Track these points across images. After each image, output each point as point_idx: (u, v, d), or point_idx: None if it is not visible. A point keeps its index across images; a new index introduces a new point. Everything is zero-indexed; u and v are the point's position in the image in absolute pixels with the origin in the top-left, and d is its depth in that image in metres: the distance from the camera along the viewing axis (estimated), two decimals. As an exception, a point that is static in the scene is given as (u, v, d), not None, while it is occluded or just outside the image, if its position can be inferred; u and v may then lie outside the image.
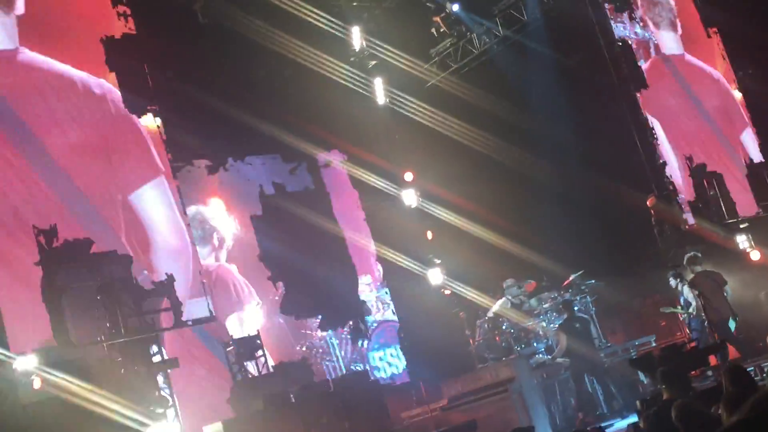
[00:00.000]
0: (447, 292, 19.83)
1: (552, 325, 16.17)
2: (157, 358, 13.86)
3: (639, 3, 21.83)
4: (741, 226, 19.97)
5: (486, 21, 20.67)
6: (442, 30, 20.71)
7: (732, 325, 14.85)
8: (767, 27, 20.65)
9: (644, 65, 21.04)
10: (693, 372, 12.95)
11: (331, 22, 19.32)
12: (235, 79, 18.13)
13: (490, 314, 16.79)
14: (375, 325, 19.78)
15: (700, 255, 15.24)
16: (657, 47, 21.90)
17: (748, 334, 16.76)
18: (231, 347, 16.03)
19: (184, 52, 17.28)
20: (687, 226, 18.90)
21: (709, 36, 23.23)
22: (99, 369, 12.72)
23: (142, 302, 14.17)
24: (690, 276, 15.15)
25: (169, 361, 14.11)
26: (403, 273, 20.10)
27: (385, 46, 20.07)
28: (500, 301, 16.96)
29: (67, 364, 12.24)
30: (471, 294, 18.42)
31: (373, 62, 20.64)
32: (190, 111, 17.10)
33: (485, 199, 19.63)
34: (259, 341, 16.65)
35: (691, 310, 15.28)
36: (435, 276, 19.90)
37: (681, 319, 16.07)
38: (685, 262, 15.35)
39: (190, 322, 15.93)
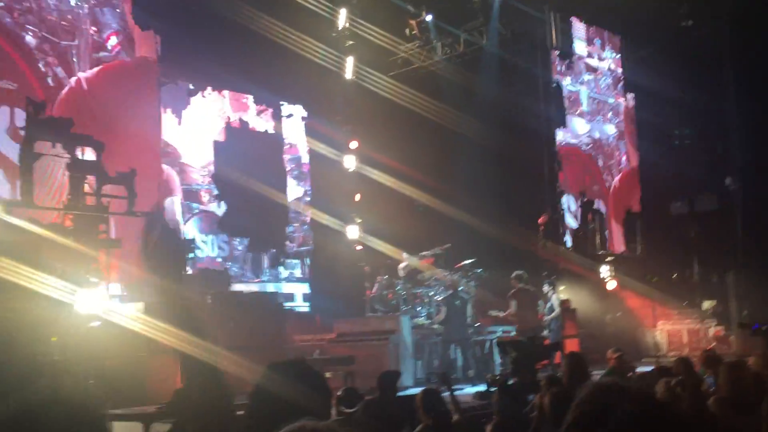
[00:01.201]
0: (359, 247, 19.83)
1: (437, 297, 16.29)
2: (103, 236, 13.49)
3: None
4: (606, 259, 20.43)
5: (451, 36, 20.60)
6: (413, 32, 20.55)
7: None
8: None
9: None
10: (540, 363, 13.22)
11: (321, 3, 19.00)
12: (230, 23, 17.65)
13: (400, 269, 16.79)
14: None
15: (523, 274, 15.61)
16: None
17: (589, 347, 17.23)
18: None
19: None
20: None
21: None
22: (49, 231, 12.34)
23: (103, 185, 13.74)
24: (516, 288, 15.46)
25: (113, 242, 13.77)
26: (327, 227, 20.01)
27: (366, 26, 19.75)
28: (402, 265, 17.03)
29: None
30: (384, 249, 18.36)
31: (350, 42, 20.31)
32: (186, 36, 16.65)
33: (420, 166, 19.70)
34: (193, 245, 16.44)
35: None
36: (352, 231, 19.86)
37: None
38: (512, 277, 15.62)
39: (139, 214, 15.57)
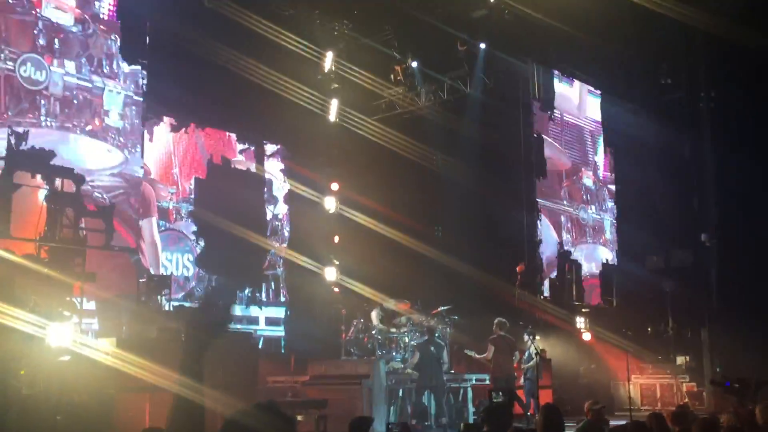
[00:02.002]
0: (336, 289, 19.78)
1: (412, 342, 16.25)
2: (78, 269, 13.39)
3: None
4: (583, 310, 20.54)
5: (435, 83, 20.88)
6: (398, 78, 20.80)
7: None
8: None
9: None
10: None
11: (308, 47, 19.23)
12: (215, 63, 17.78)
13: (373, 316, 16.76)
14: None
15: (506, 322, 15.72)
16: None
17: (562, 398, 17.25)
18: (144, 279, 15.62)
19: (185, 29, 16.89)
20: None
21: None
22: (25, 260, 12.24)
23: (81, 219, 13.69)
24: (496, 334, 15.53)
25: (88, 275, 13.65)
26: (304, 269, 19.98)
27: (352, 69, 19.96)
28: (374, 312, 17.00)
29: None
30: (362, 292, 18.34)
31: (335, 85, 20.50)
32: (171, 73, 16.78)
33: (401, 211, 19.78)
34: (169, 281, 16.32)
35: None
36: (330, 274, 19.83)
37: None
38: (495, 322, 15.71)
39: (116, 248, 15.52)
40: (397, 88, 21.03)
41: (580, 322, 19.60)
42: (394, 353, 16.30)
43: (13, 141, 13.17)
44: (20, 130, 13.54)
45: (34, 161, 13.44)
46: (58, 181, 13.46)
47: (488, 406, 12.42)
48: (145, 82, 16.51)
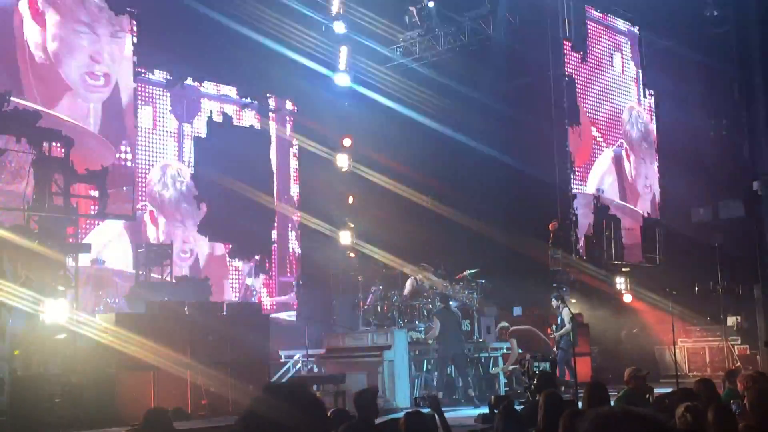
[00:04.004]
0: (352, 255, 19.82)
1: (434, 310, 16.26)
2: (71, 240, 13.48)
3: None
4: (623, 270, 20.45)
5: (454, 25, 20.61)
6: (414, 20, 20.55)
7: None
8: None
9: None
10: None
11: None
12: (213, 8, 17.66)
13: (406, 292, 16.79)
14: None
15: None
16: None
17: (602, 365, 17.27)
18: (142, 249, 15.72)
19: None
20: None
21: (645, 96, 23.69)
22: (11, 233, 12.32)
23: (72, 185, 13.72)
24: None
25: (82, 246, 13.75)
26: (317, 232, 20.02)
27: (362, 12, 19.74)
28: (410, 280, 17.01)
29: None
30: (379, 257, 18.37)
31: (344, 30, 20.29)
32: (165, 21, 16.67)
33: (419, 168, 19.68)
34: (170, 251, 16.43)
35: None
36: (345, 237, 19.86)
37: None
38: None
39: (111, 216, 15.60)
40: (412, 31, 20.78)
41: (620, 282, 19.58)
42: (416, 322, 16.33)
43: (-7, 102, 13.16)
44: (1, 90, 13.52)
45: (18, 123, 13.44)
46: (45, 145, 13.49)
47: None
48: (135, 32, 16.41)
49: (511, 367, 15.64)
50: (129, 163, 16.78)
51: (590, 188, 21.35)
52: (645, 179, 23.29)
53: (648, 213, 23.16)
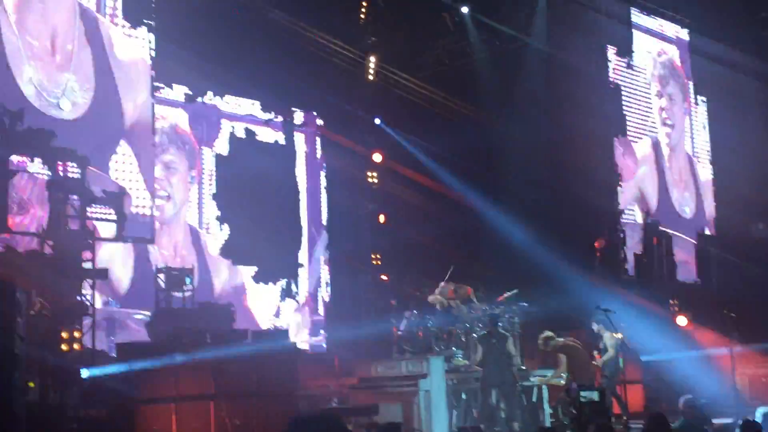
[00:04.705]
0: (384, 277, 19.79)
1: (474, 335, 16.16)
2: (87, 265, 13.59)
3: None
4: (676, 290, 20.25)
5: (490, 31, 20.60)
6: (447, 27, 20.59)
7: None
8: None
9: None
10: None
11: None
12: (238, 16, 17.85)
13: (431, 299, 16.74)
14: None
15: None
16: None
17: (655, 394, 17.05)
18: (162, 273, 15.83)
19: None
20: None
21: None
22: (27, 259, 12.46)
23: (88, 207, 13.86)
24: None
25: (99, 271, 13.85)
26: (347, 249, 20.04)
27: (392, 19, 19.79)
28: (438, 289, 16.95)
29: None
30: (411, 279, 18.34)
31: (373, 38, 20.35)
32: (184, 34, 16.85)
33: (452, 183, 19.76)
34: (190, 276, 16.50)
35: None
36: (376, 259, 19.84)
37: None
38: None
39: (130, 239, 15.73)
40: (445, 39, 20.81)
41: (674, 303, 19.33)
42: (454, 348, 16.24)
43: (6, 121, 13.32)
44: (14, 108, 13.69)
45: (32, 143, 13.61)
46: (60, 166, 13.65)
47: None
48: (152, 47, 16.58)
49: (554, 380, 15.38)
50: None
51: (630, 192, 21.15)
52: (694, 190, 23.08)
53: (702, 229, 22.94)
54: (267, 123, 19.85)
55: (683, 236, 22.12)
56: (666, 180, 22.55)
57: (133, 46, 16.65)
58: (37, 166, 14.13)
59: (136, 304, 16.89)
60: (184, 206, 18.28)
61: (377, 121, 20.47)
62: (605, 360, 15.41)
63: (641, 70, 22.30)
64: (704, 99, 23.71)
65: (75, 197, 13.63)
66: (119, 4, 16.36)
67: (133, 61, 16.69)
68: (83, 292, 13.38)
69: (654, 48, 22.88)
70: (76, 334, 12.31)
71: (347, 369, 16.54)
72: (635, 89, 22.07)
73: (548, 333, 14.92)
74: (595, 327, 15.72)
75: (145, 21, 16.37)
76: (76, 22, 15.91)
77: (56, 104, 15.47)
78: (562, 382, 15.06)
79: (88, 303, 13.36)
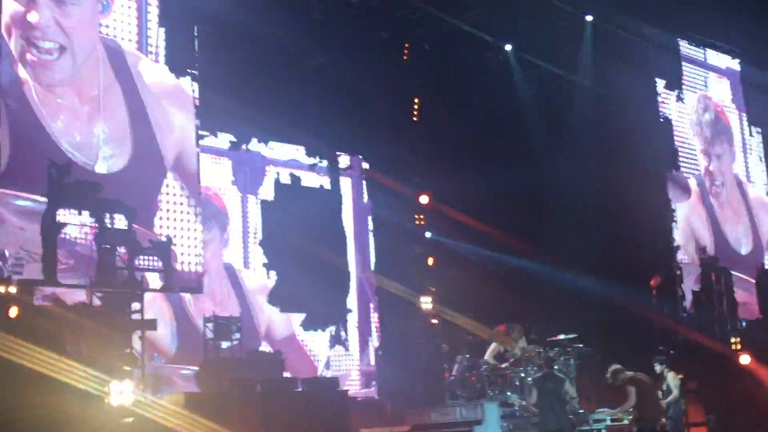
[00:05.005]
0: (434, 321, 19.75)
1: (528, 379, 16.06)
2: (136, 317, 13.79)
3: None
4: (737, 328, 19.95)
5: (534, 68, 20.64)
6: (490, 65, 20.69)
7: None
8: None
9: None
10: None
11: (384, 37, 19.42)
12: (280, 61, 18.14)
13: (486, 358, 16.67)
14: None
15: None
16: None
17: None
18: (211, 323, 15.98)
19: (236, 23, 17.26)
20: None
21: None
22: (74, 312, 12.68)
23: (136, 257, 14.11)
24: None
25: (148, 322, 14.05)
26: (396, 298, 20.05)
27: (437, 58, 19.90)
28: (492, 347, 16.86)
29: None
30: (464, 324, 18.28)
31: (417, 79, 20.51)
32: (227, 79, 17.14)
33: (501, 225, 19.72)
34: (239, 325, 16.63)
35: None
36: (426, 303, 19.81)
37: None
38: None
39: (177, 288, 15.93)
40: (489, 78, 20.89)
41: (736, 341, 19.04)
42: (509, 392, 16.13)
43: (54, 174, 13.66)
44: (61, 162, 14.04)
45: (79, 196, 13.91)
46: (107, 217, 13.93)
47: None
48: (196, 95, 16.89)
49: (621, 414, 15.12)
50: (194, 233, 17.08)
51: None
52: (749, 224, 22.82)
53: (762, 262, 22.63)
54: (312, 168, 20.06)
55: (743, 276, 21.79)
56: (716, 216, 22.32)
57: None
58: (85, 218, 14.35)
59: (181, 359, 17.03)
60: (221, 271, 18.47)
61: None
62: (669, 401, 15.19)
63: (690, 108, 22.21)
64: (759, 130, 23.50)
65: (122, 248, 13.91)
66: (161, 50, 16.60)
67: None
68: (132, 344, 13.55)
69: (702, 82, 22.79)
70: (127, 386, 12.40)
71: (399, 416, 16.48)
72: (685, 124, 21.96)
73: (617, 366, 14.63)
74: (657, 368, 15.52)
75: (189, 70, 16.65)
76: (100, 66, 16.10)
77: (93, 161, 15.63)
78: (627, 420, 14.83)
79: (137, 355, 13.53)
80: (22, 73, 14.76)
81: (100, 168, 15.45)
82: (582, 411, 16.19)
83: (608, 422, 15.89)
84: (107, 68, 15.94)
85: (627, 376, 14.19)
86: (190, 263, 16.54)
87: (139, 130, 16.10)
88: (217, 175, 18.59)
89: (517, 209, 20.10)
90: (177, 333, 17.27)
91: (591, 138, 20.23)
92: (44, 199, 13.74)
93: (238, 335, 16.46)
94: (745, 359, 18.78)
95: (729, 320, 20.20)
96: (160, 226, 16.06)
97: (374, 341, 20.57)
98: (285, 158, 19.77)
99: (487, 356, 16.69)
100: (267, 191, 19.35)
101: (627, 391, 14.23)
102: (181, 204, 16.47)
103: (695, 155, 22.11)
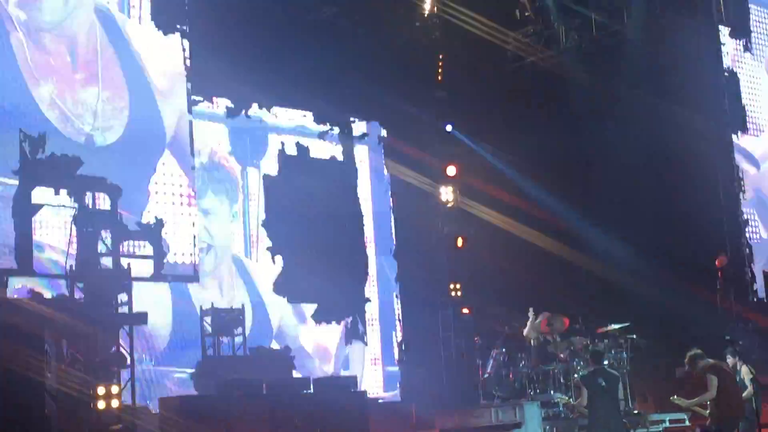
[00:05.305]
0: (466, 310, 19.76)
1: (575, 375, 16.08)
2: (123, 309, 13.88)
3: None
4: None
5: (578, 18, 20.50)
6: (526, 14, 20.55)
7: None
8: None
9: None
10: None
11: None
12: (283, 15, 18.09)
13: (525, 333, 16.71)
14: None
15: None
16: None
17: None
18: (208, 316, 16.07)
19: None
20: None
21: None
22: (54, 306, 12.77)
23: (121, 242, 14.17)
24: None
25: (137, 316, 14.12)
26: (421, 279, 20.06)
27: (461, 10, 19.77)
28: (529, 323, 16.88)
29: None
30: (499, 313, 18.31)
31: (437, 33, 20.40)
32: (223, 40, 17.12)
33: (539, 200, 19.74)
34: (241, 317, 16.70)
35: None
36: (456, 290, 19.81)
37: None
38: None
39: (170, 277, 16.00)
40: (524, 29, 20.77)
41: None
42: (551, 391, 16.16)
43: (27, 148, 13.73)
44: (35, 134, 14.10)
45: (56, 173, 13.94)
46: (88, 196, 13.96)
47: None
48: (187, 55, 16.89)
49: (698, 408, 15.08)
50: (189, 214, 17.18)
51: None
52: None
53: None
54: (322, 136, 20.04)
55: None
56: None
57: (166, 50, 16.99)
58: (63, 199, 14.42)
59: (176, 358, 17.06)
60: (227, 255, 18.47)
61: (449, 127, 20.42)
62: (745, 398, 15.16)
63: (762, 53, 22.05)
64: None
65: (106, 232, 13.95)
66: (145, 5, 16.65)
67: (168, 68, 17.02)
68: (120, 341, 13.65)
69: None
70: (114, 390, 12.53)
71: (426, 420, 16.52)
72: (756, 76, 21.81)
73: (697, 350, 14.50)
74: (730, 360, 15.42)
75: (178, 26, 16.67)
76: (96, 28, 16.28)
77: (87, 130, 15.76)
78: (706, 412, 14.74)
79: (126, 353, 13.64)
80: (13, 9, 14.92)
81: (92, 141, 15.59)
82: (637, 411, 16.21)
83: (666, 424, 15.91)
84: (101, 31, 16.12)
85: (708, 364, 14.05)
86: (183, 253, 16.63)
87: (137, 100, 16.19)
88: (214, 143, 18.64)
89: (560, 181, 20.02)
90: (173, 327, 17.31)
91: (643, 97, 20.11)
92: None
93: (241, 330, 16.59)
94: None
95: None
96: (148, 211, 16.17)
97: (397, 335, 20.64)
98: (291, 126, 19.75)
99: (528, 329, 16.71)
100: (270, 164, 19.32)
101: (708, 380, 14.06)
102: (174, 184, 16.56)
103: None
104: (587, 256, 19.39)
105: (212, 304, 16.88)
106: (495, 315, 18.66)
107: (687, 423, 16.18)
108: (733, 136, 20.51)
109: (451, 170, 20.38)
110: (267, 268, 18.86)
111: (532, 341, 16.85)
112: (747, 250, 20.15)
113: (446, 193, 20.37)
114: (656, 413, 16.36)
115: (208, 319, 16.40)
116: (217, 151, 18.52)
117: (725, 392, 13.76)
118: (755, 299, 20.26)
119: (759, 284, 20.26)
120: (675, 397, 15.04)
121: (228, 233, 18.53)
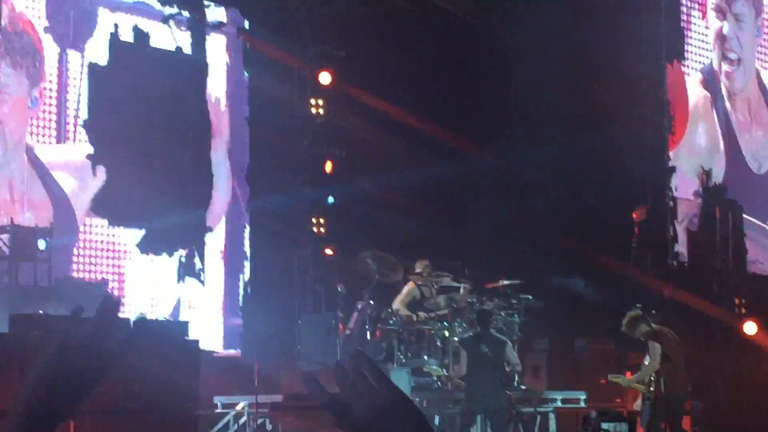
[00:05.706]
0: (329, 251, 19.75)
1: (455, 338, 16.20)
2: None
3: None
4: (744, 286, 20.42)
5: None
6: None
7: None
8: None
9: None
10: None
11: None
12: None
13: (395, 307, 16.73)
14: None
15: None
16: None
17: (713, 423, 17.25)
18: (6, 233, 15.74)
19: None
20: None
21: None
22: None
23: None
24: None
25: None
26: (277, 209, 19.95)
27: None
28: (406, 290, 16.90)
29: None
30: (369, 256, 18.31)
31: None
32: None
33: (434, 119, 19.73)
34: (47, 239, 16.39)
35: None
36: (317, 225, 19.80)
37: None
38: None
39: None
40: None
41: (740, 303, 19.46)
42: (425, 356, 16.27)
43: None
44: None
45: None
46: None
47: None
48: None
49: (636, 384, 15.37)
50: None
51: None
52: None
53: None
54: (166, 21, 19.57)
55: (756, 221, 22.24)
56: (729, 120, 22.65)
57: None
58: None
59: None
60: (20, 146, 17.97)
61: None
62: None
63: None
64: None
65: None
66: None
67: None
68: None
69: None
70: None
71: (271, 381, 16.46)
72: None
73: (637, 311, 14.72)
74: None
75: None
76: None
77: None
78: (644, 389, 15.01)
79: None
80: None
81: None
82: (524, 387, 16.42)
83: (558, 403, 16.19)
84: None
85: (651, 329, 14.23)
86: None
87: None
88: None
89: (458, 99, 20.06)
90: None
91: (563, 13, 20.27)
92: None
93: (46, 253, 16.24)
94: (750, 328, 19.23)
95: (734, 274, 20.62)
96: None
97: (244, 276, 20.53)
98: (128, 2, 19.28)
99: (398, 303, 16.75)
100: (98, 49, 18.78)
101: (651, 348, 14.27)
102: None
103: (707, 36, 22.31)
104: (482, 195, 19.44)
105: (11, 219, 16.48)
106: (363, 258, 18.62)
107: (582, 404, 16.49)
108: (668, 65, 20.76)
109: (325, 77, 20.25)
110: (81, 179, 18.47)
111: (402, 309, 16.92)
112: (671, 203, 20.46)
113: (316, 105, 20.26)
114: (548, 390, 16.59)
115: (4, 238, 16.01)
116: (23, 13, 17.91)
117: (670, 364, 14.02)
118: (675, 262, 20.64)
119: (681, 245, 20.65)
120: (611, 375, 15.36)
121: (21, 121, 18.05)
